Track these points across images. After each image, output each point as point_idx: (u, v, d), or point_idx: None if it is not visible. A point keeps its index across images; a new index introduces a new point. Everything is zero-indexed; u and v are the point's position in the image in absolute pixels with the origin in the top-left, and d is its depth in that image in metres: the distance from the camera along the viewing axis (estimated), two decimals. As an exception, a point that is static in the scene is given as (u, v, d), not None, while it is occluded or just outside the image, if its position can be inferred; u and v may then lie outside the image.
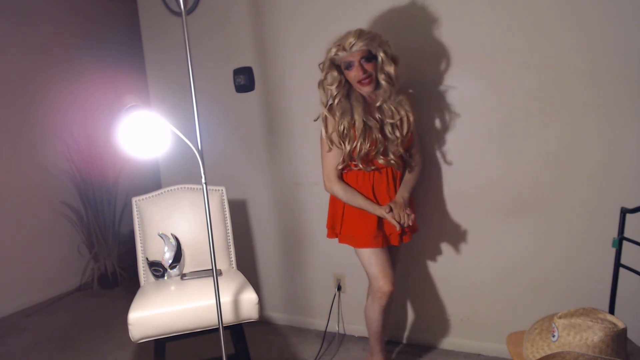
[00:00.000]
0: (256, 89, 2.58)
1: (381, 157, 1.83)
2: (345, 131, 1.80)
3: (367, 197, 1.88)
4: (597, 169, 1.93)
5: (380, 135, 1.80)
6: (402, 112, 1.82)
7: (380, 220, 1.88)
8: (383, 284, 1.89)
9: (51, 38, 3.50)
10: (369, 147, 1.80)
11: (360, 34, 1.74)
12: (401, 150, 1.86)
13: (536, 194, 2.05)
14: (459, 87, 2.12)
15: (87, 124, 3.59)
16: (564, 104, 1.95)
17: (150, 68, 2.91)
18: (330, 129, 1.84)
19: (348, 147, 1.81)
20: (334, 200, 2.00)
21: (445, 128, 2.18)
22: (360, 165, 1.84)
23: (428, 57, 2.13)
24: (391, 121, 1.81)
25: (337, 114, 1.81)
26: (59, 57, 3.54)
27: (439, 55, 2.11)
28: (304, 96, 2.37)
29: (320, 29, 2.27)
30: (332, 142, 1.84)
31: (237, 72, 2.59)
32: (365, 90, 1.81)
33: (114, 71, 3.59)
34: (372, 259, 1.90)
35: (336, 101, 1.82)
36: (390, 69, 1.77)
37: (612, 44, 1.83)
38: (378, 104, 1.82)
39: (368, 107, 1.85)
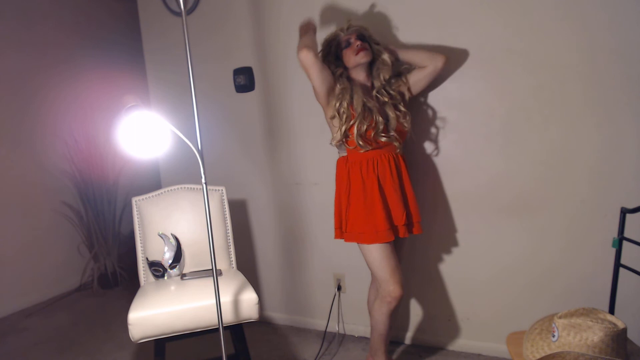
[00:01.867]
0: (256, 89, 2.58)
1: (382, 134, 1.86)
2: (343, 110, 1.86)
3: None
4: (597, 169, 1.94)
5: (380, 117, 1.84)
6: (397, 94, 1.92)
7: (388, 212, 1.87)
8: (394, 289, 1.87)
9: (51, 38, 3.50)
10: (367, 125, 1.84)
11: (351, 21, 1.97)
12: (406, 125, 1.91)
13: (536, 194, 2.05)
14: (459, 87, 2.12)
15: (87, 124, 3.59)
16: (564, 104, 1.95)
17: (150, 68, 2.91)
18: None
19: (344, 127, 1.86)
20: (339, 197, 1.99)
21: (446, 128, 2.18)
22: (360, 143, 1.85)
23: (428, 57, 2.13)
24: (391, 101, 1.89)
25: (339, 87, 1.89)
26: (59, 58, 3.54)
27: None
28: (304, 96, 2.37)
29: (320, 29, 2.27)
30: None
31: (237, 72, 2.59)
32: (362, 59, 1.88)
33: (114, 71, 3.59)
34: (383, 262, 1.87)
35: (339, 74, 1.91)
36: (384, 55, 1.92)
37: (612, 44, 1.83)
38: (375, 89, 1.90)
39: (367, 91, 1.92)
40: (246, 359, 1.96)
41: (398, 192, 1.88)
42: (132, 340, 1.75)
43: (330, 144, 1.97)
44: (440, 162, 2.21)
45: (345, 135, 1.87)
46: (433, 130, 2.20)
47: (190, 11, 2.65)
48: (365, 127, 1.82)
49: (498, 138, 2.09)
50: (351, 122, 1.84)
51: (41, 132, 3.42)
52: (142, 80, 2.96)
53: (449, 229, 2.25)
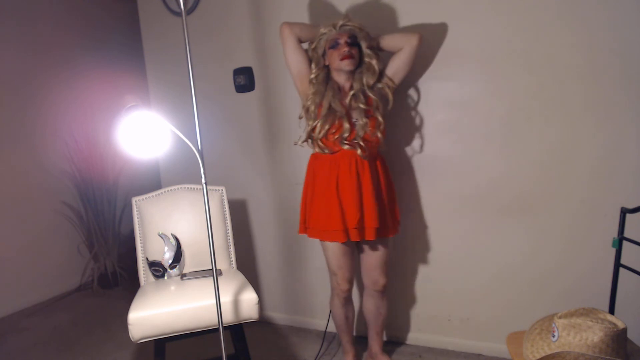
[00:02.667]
0: (256, 89, 2.58)
1: (345, 142, 1.85)
2: (311, 112, 1.89)
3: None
4: (597, 169, 1.94)
5: (347, 124, 1.83)
6: (378, 99, 1.89)
7: (343, 214, 1.89)
8: (341, 282, 2.02)
9: (51, 38, 3.50)
10: (329, 129, 1.84)
11: (349, 18, 1.87)
12: (377, 134, 1.86)
13: (536, 194, 2.05)
14: (459, 87, 2.12)
15: (87, 124, 3.59)
16: (564, 104, 1.95)
17: (150, 68, 2.91)
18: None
19: (309, 127, 1.89)
20: (305, 193, 2.03)
21: (445, 128, 2.18)
22: (318, 146, 1.88)
23: (428, 56, 2.13)
24: (363, 107, 1.85)
25: (312, 89, 1.90)
26: (59, 58, 3.53)
27: (439, 55, 2.12)
28: (304, 96, 2.37)
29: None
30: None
31: (237, 72, 2.59)
32: (346, 67, 1.85)
33: (114, 71, 3.59)
34: (336, 258, 1.98)
35: (314, 76, 1.91)
36: (372, 60, 1.88)
37: (612, 44, 1.83)
38: (352, 92, 1.87)
39: (341, 95, 1.90)
40: (246, 359, 1.96)
41: (355, 196, 1.86)
42: (132, 340, 1.75)
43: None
44: (439, 162, 2.21)
45: (310, 135, 1.91)
46: (432, 129, 2.20)
47: (190, 11, 2.65)
48: (326, 129, 1.84)
49: (498, 138, 2.09)
50: (314, 124, 1.86)
51: (41, 132, 3.42)
52: (142, 80, 2.96)
53: (449, 229, 2.24)
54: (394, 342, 2.45)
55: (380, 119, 1.86)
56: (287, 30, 1.91)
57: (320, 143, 1.87)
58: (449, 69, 2.11)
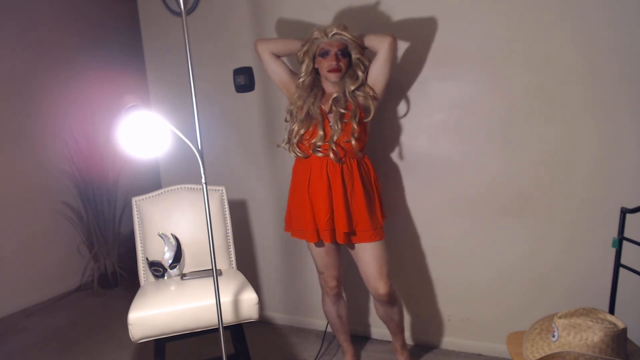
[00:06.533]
0: (256, 89, 2.58)
1: (318, 149, 1.86)
2: (293, 115, 1.93)
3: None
4: (597, 169, 1.94)
5: (321, 131, 1.84)
6: (354, 104, 1.87)
7: (313, 213, 1.91)
8: (328, 281, 2.06)
9: (51, 39, 3.50)
10: (304, 134, 1.87)
11: (344, 27, 1.85)
12: (351, 141, 1.83)
13: (536, 194, 2.05)
14: (459, 87, 2.12)
15: (87, 124, 3.59)
16: (563, 104, 1.95)
17: (150, 68, 2.91)
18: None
19: (289, 130, 1.93)
20: (289, 193, 2.05)
21: (445, 128, 2.18)
22: (294, 151, 1.91)
23: (428, 56, 2.13)
24: (342, 111, 1.85)
25: (296, 93, 1.94)
26: (59, 58, 3.53)
27: (439, 55, 2.12)
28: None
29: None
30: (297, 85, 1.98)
31: (237, 72, 2.59)
32: (332, 79, 1.88)
33: (114, 71, 3.59)
34: (320, 257, 2.02)
35: (301, 80, 1.93)
36: (358, 70, 1.88)
37: (612, 44, 1.83)
38: (334, 95, 1.88)
39: (323, 99, 1.92)
40: (246, 359, 1.96)
41: (324, 198, 1.87)
42: (132, 340, 1.75)
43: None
44: (439, 162, 2.21)
45: (289, 139, 1.93)
46: (432, 130, 2.20)
47: (190, 11, 2.65)
48: (301, 134, 1.87)
49: (498, 138, 2.09)
50: (292, 126, 1.90)
51: (41, 132, 3.42)
52: (142, 80, 2.96)
53: (449, 229, 2.24)
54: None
55: (355, 126, 1.84)
56: (260, 46, 1.99)
57: (295, 148, 1.91)
58: (449, 69, 2.11)
